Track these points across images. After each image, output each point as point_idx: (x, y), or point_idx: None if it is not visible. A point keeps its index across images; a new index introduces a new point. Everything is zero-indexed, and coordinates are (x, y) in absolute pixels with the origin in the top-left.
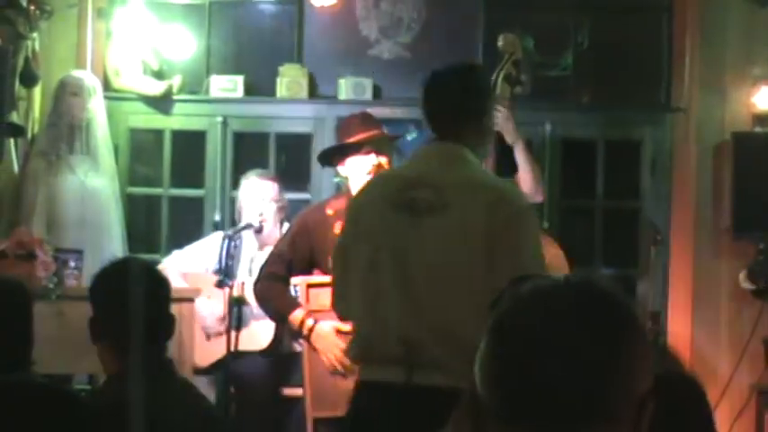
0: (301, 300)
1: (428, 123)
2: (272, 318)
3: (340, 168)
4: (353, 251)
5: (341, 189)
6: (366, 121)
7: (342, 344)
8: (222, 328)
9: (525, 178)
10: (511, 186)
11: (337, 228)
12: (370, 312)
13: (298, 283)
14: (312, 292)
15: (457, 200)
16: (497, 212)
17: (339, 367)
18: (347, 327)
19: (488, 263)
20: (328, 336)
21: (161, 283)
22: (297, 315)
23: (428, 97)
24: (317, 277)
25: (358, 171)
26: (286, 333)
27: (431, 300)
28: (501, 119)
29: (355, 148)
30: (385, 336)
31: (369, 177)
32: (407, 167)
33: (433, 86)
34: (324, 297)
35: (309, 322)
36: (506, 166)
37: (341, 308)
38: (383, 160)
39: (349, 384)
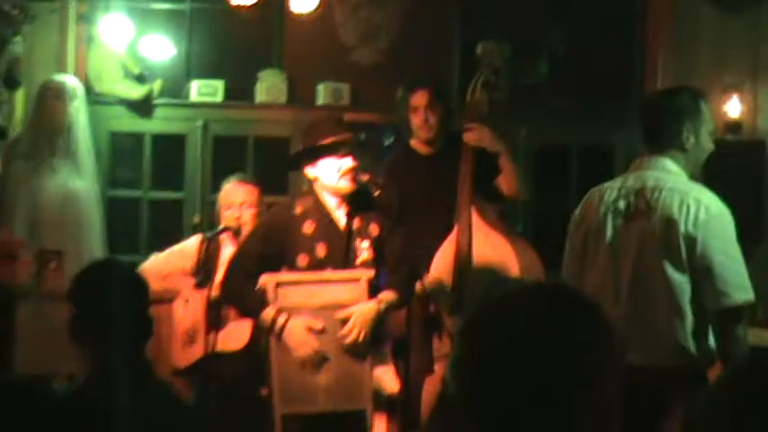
0: (270, 298)
1: (643, 140)
2: (241, 314)
3: (310, 169)
4: (576, 244)
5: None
6: (337, 123)
7: (313, 340)
8: (186, 338)
9: (509, 182)
10: (706, 192)
11: (306, 227)
12: None
13: (266, 281)
14: (281, 291)
15: (660, 207)
16: (693, 214)
17: (309, 363)
18: (319, 324)
19: (683, 259)
20: (300, 332)
21: (140, 284)
22: (267, 313)
23: (642, 117)
24: (285, 275)
25: (328, 172)
26: (263, 333)
27: (635, 293)
28: (479, 135)
29: (329, 151)
30: None
31: (341, 178)
32: (623, 179)
33: (646, 108)
34: (292, 295)
35: (281, 320)
36: (487, 173)
37: None
38: (355, 163)
39: (318, 380)
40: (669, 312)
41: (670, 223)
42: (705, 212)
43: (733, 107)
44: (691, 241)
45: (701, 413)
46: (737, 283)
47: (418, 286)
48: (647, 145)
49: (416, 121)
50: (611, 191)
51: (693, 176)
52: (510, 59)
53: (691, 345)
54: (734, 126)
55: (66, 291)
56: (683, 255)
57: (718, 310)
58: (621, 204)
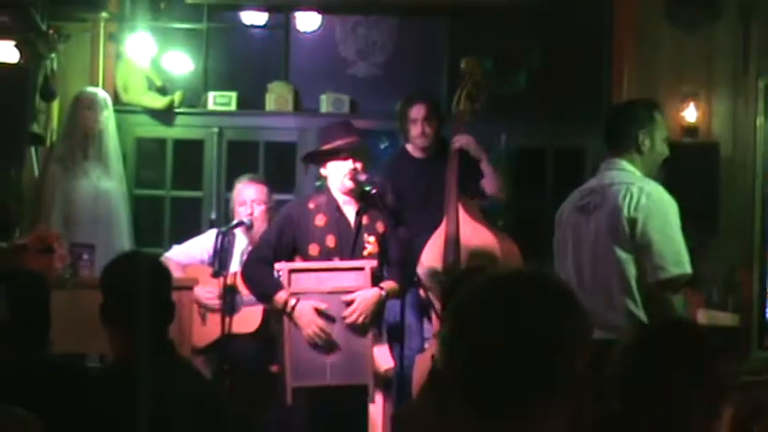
0: (284, 283)
1: (606, 145)
2: (257, 297)
3: (321, 169)
4: (556, 243)
5: (322, 189)
6: (345, 128)
7: (319, 320)
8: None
9: (491, 183)
10: (650, 183)
11: (318, 220)
12: None
13: (281, 268)
14: (293, 276)
15: (610, 198)
16: (635, 200)
17: (316, 341)
18: (323, 305)
19: (627, 239)
20: (308, 313)
21: (163, 273)
22: (281, 296)
23: (606, 125)
24: (298, 263)
25: (336, 173)
26: (273, 317)
27: (595, 275)
28: (465, 141)
29: (335, 153)
30: None
31: (344, 177)
32: (591, 180)
33: (608, 117)
34: (303, 280)
35: (292, 302)
36: (471, 175)
37: None
38: (358, 165)
39: (325, 357)
40: (621, 288)
41: (616, 210)
42: (646, 198)
43: (690, 113)
44: (632, 222)
45: (620, 368)
46: (673, 259)
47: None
48: (609, 149)
49: (414, 131)
50: (579, 192)
51: (651, 176)
52: (491, 72)
53: (641, 314)
54: (691, 130)
55: (98, 280)
56: (627, 235)
57: (656, 281)
58: (583, 202)
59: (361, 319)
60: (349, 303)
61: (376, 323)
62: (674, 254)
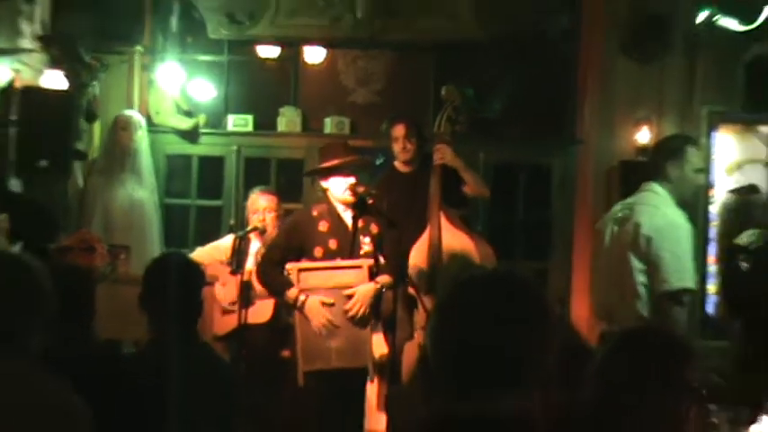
0: (293, 281)
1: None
2: (272, 293)
3: (323, 182)
4: (595, 251)
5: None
6: (342, 149)
7: (326, 312)
8: (232, 307)
9: (472, 186)
10: (671, 206)
11: (321, 226)
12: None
13: (290, 267)
14: (302, 275)
15: (635, 215)
16: (654, 219)
17: (323, 331)
18: (330, 300)
19: (643, 252)
20: (316, 307)
21: (199, 274)
22: (291, 292)
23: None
24: (306, 263)
25: (337, 187)
26: (283, 309)
27: (616, 282)
28: (442, 153)
29: (336, 170)
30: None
31: (345, 191)
32: (627, 199)
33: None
34: (311, 278)
35: (302, 297)
36: (454, 184)
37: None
38: (354, 180)
39: (331, 344)
40: (633, 291)
41: (637, 225)
42: (662, 219)
43: (643, 135)
44: (648, 239)
45: (601, 362)
46: (677, 275)
47: None
48: (648, 172)
49: (396, 147)
50: (618, 205)
51: (685, 199)
52: (471, 98)
53: (647, 316)
54: (644, 150)
55: (133, 276)
56: (642, 249)
57: (660, 293)
58: (620, 214)
59: (361, 310)
60: (350, 297)
61: (375, 312)
62: (679, 271)
